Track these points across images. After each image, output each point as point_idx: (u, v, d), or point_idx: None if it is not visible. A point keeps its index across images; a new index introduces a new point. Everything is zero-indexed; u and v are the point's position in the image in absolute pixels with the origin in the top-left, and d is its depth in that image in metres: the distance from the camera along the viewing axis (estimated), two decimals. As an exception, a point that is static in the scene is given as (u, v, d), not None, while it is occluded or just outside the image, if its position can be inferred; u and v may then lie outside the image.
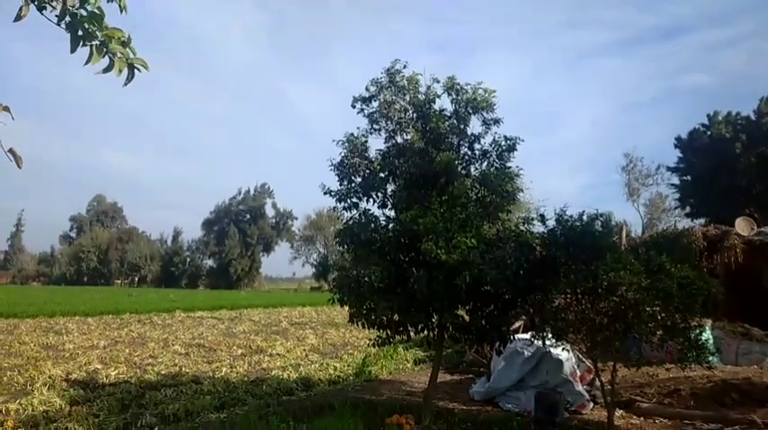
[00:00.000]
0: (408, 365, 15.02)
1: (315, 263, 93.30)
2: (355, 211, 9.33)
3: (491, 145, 9.25)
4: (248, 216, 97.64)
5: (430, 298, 8.30)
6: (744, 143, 41.46)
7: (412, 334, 9.43)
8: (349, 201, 9.24)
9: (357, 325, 9.23)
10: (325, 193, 9.42)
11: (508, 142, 9.14)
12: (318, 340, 20.45)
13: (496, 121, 9.26)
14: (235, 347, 17.78)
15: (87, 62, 3.67)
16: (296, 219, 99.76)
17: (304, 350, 17.62)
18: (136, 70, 4.06)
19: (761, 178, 39.10)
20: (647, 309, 8.04)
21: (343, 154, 9.40)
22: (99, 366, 13.72)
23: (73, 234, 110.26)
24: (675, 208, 53.46)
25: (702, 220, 37.70)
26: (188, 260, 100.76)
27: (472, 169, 9.36)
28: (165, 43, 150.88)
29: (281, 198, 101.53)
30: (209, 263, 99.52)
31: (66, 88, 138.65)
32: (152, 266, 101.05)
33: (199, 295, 55.25)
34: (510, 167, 9.13)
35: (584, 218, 8.63)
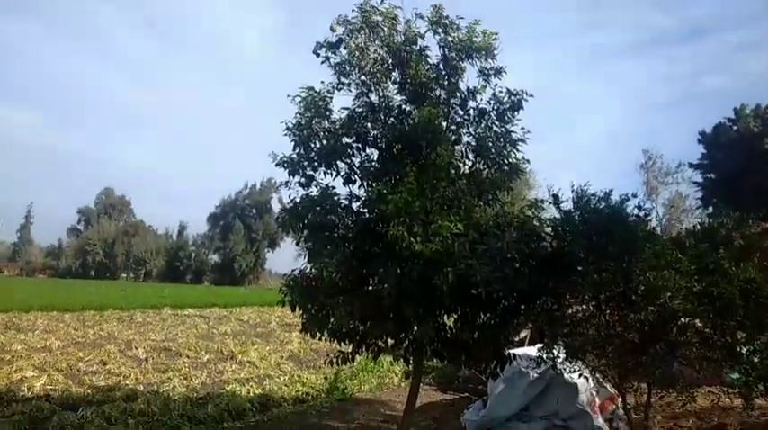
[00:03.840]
0: (395, 379, 12.89)
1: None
2: (314, 189, 7.19)
3: (489, 101, 7.06)
4: (254, 211, 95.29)
5: (400, 302, 6.15)
6: (774, 138, 38.61)
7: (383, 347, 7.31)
8: (303, 172, 7.09)
9: (311, 335, 7.13)
10: (276, 165, 7.27)
11: (512, 98, 6.94)
12: (302, 345, 18.25)
13: (498, 72, 7.08)
14: (203, 352, 15.66)
15: None
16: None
17: (281, 357, 15.47)
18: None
19: (794, 176, 36.29)
20: (699, 324, 5.85)
21: (299, 114, 7.24)
22: (31, 374, 11.72)
23: (81, 227, 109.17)
24: (697, 208, 50.57)
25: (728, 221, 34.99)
26: (193, 255, 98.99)
27: (464, 134, 7.18)
28: (179, 38, 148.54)
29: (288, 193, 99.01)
30: (214, 258, 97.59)
31: (77, 81, 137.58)
32: (157, 261, 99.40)
33: (196, 291, 53.11)
34: (514, 131, 6.95)
35: (612, 199, 6.38)
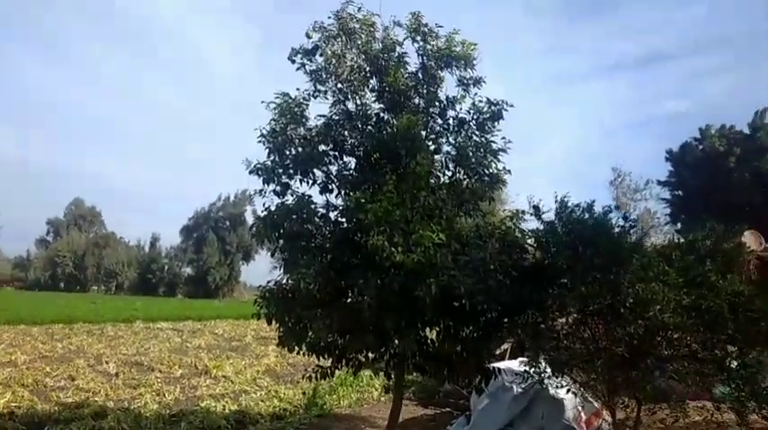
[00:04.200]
0: (375, 394, 12.60)
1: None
2: (290, 197, 6.95)
3: (469, 111, 6.96)
4: (228, 223, 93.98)
5: (380, 314, 5.95)
6: (738, 157, 39.92)
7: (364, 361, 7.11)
8: (278, 180, 6.85)
9: (289, 349, 6.88)
10: (250, 172, 7.00)
11: (492, 108, 6.84)
12: (279, 359, 17.88)
13: (477, 82, 7.00)
14: (176, 367, 15.18)
15: None
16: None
17: (257, 371, 15.05)
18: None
19: (756, 194, 37.21)
20: (688, 337, 5.76)
21: (274, 120, 7.02)
22: (-7, 390, 11.17)
23: (49, 238, 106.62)
24: (666, 224, 51.48)
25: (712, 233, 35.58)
26: (166, 267, 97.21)
27: (443, 143, 7.07)
28: (157, 51, 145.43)
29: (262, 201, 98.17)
30: (188, 270, 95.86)
31: (49, 92, 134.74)
32: (129, 273, 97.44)
33: (169, 304, 51.99)
34: (494, 141, 6.85)
35: (595, 210, 6.28)
